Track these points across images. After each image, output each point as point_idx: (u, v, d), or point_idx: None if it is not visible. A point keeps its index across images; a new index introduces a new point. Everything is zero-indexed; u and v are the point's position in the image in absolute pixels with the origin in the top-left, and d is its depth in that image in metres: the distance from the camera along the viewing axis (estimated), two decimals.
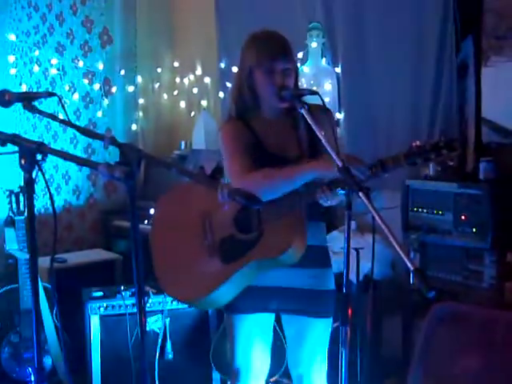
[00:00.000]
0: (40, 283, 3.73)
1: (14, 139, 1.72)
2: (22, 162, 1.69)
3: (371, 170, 2.09)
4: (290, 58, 2.40)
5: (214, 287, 2.37)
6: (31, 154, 1.69)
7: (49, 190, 1.73)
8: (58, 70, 4.73)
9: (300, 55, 4.04)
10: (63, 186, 4.80)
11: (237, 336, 2.54)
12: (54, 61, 4.69)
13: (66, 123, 2.04)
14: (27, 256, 3.70)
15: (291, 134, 2.46)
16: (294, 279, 2.44)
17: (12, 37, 4.47)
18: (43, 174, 1.71)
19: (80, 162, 1.75)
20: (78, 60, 4.82)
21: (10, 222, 3.81)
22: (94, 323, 3.44)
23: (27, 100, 2.02)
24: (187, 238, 2.47)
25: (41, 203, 4.61)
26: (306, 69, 4.14)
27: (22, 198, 3.77)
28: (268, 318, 2.57)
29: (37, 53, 4.61)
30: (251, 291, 2.43)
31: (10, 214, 3.80)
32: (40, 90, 4.54)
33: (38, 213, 4.56)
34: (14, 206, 3.76)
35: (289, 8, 4.22)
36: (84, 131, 2.00)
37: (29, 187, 1.71)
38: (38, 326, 1.75)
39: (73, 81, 4.81)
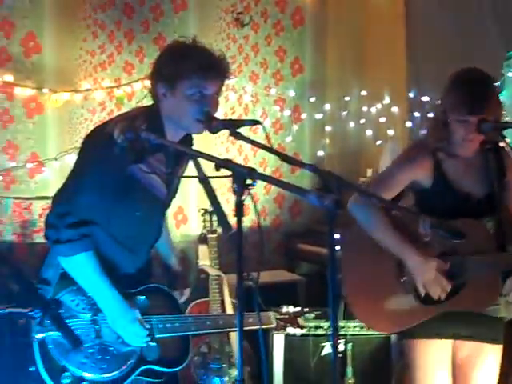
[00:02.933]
0: (228, 299, 3.94)
1: (228, 164, 1.85)
2: (234, 185, 1.82)
3: None
4: (489, 109, 2.34)
5: (410, 324, 2.41)
6: (243, 178, 1.82)
7: (258, 213, 1.85)
8: (252, 96, 4.97)
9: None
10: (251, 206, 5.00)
11: (417, 362, 2.53)
12: (248, 88, 4.95)
13: (269, 149, 2.17)
14: (218, 272, 3.93)
15: (480, 172, 2.44)
16: None
17: None
18: (252, 198, 1.82)
19: (288, 187, 1.83)
20: (270, 88, 5.03)
21: (204, 239, 4.07)
22: (278, 342, 3.55)
23: (233, 127, 2.18)
24: (381, 269, 2.50)
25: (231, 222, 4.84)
26: (501, 99, 4.01)
27: (214, 217, 4.02)
28: (446, 344, 2.53)
29: (233, 81, 4.89)
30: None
31: (204, 232, 4.06)
32: (234, 117, 4.80)
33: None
34: (208, 224, 4.02)
35: (483, 36, 4.12)
36: (286, 158, 2.11)
37: (239, 209, 1.83)
38: (241, 341, 1.84)
39: (264, 107, 5.03)
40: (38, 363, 2.09)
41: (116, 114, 4.34)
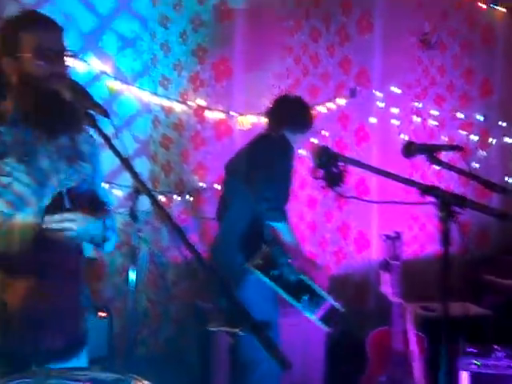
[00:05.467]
0: (411, 329, 3.79)
1: (434, 191, 1.78)
2: (441, 213, 1.74)
3: None
4: None
5: None
6: (449, 205, 1.73)
7: (465, 242, 1.76)
8: (437, 121, 4.81)
9: None
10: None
11: None
12: (434, 112, 4.79)
13: (469, 175, 2.06)
14: (400, 300, 3.80)
15: None
16: None
17: (396, 89, 4.69)
18: (459, 226, 1.73)
19: (499, 215, 1.73)
20: (456, 111, 4.85)
21: (386, 266, 3.96)
22: (464, 379, 3.36)
23: (431, 152, 2.10)
24: None
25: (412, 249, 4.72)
26: None
27: (397, 243, 3.90)
28: None
29: (418, 104, 4.77)
30: None
31: (386, 258, 3.95)
32: (416, 141, 4.66)
33: (408, 258, 4.67)
34: (391, 250, 3.91)
35: None
36: (487, 183, 1.98)
37: (445, 237, 1.75)
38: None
39: (449, 133, 4.85)
40: None
41: None
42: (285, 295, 2.81)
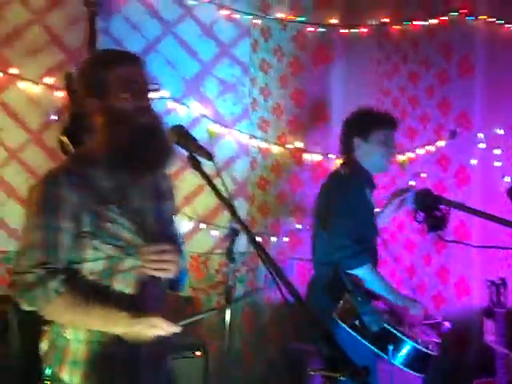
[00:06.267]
0: None
1: None
2: None
3: None
4: None
5: None
6: None
7: None
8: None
9: None
10: None
11: None
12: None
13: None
14: (505, 350, 3.63)
15: None
16: None
17: (499, 131, 4.55)
18: None
19: None
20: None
21: (490, 313, 3.80)
22: None
23: None
24: None
25: None
26: None
27: (502, 289, 3.75)
28: None
29: None
30: None
31: (490, 305, 3.80)
32: None
33: None
34: (495, 297, 3.76)
35: None
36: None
37: None
38: None
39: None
40: None
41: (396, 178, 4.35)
42: (370, 345, 2.71)
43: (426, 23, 4.45)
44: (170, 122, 1.96)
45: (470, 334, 4.44)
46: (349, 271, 2.86)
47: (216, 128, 4.12)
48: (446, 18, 4.47)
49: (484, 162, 4.45)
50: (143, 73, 2.00)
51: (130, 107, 1.93)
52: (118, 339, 1.89)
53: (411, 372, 2.79)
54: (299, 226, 4.27)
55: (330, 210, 3.02)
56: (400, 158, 4.37)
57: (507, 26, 4.53)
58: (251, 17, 4.22)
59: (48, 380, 1.93)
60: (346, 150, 3.21)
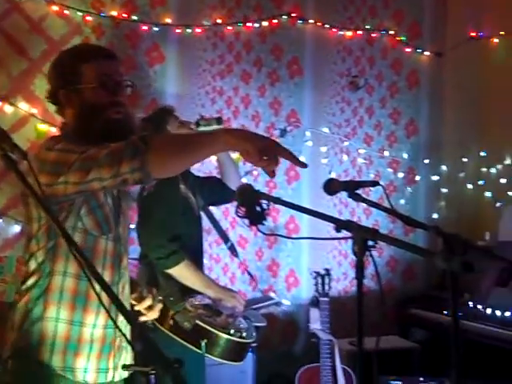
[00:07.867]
0: (339, 365, 3.85)
1: (349, 225, 1.84)
2: (355, 247, 1.80)
3: None
4: None
5: None
6: (364, 240, 1.79)
7: (378, 274, 1.82)
8: (365, 159, 4.96)
9: None
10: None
11: None
12: (362, 151, 4.95)
13: (390, 211, 2.14)
14: (329, 337, 3.86)
15: None
16: None
17: (325, 129, 4.83)
18: (373, 259, 1.79)
19: (414, 249, 1.78)
20: (384, 150, 5.01)
21: (315, 303, 4.02)
22: None
23: (352, 188, 2.17)
24: None
25: (342, 285, 4.80)
26: None
27: (326, 280, 3.98)
28: None
29: (346, 143, 4.91)
30: None
31: (315, 295, 4.02)
32: (347, 179, 4.78)
33: (338, 294, 4.74)
34: (320, 287, 3.98)
35: None
36: (407, 219, 2.08)
37: (360, 271, 1.81)
38: None
39: (378, 170, 5.00)
40: None
41: None
42: (185, 344, 2.76)
43: (259, 25, 4.62)
44: None
45: (297, 325, 4.66)
46: (165, 270, 2.88)
47: (45, 127, 3.98)
48: (278, 21, 4.67)
49: (312, 159, 4.68)
50: (119, 69, 2.05)
51: (103, 101, 1.96)
52: None
53: (228, 363, 2.85)
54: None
55: (143, 210, 3.02)
56: (232, 155, 4.49)
57: (334, 30, 4.83)
58: (83, 14, 4.13)
59: None
60: None
